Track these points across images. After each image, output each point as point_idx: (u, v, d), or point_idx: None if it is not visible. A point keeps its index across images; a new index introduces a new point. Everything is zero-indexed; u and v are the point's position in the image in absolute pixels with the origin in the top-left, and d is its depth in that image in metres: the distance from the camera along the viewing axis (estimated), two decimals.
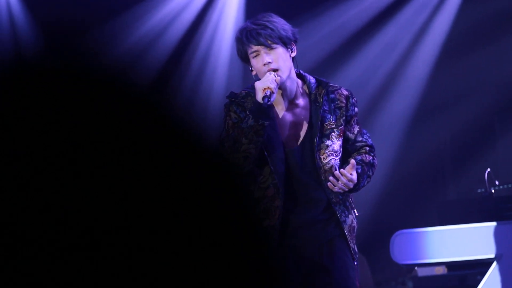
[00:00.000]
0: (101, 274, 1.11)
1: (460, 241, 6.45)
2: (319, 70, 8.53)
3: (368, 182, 3.88)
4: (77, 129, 1.14)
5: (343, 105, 3.88)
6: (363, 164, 3.85)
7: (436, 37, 9.04)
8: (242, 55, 3.87)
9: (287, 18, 4.00)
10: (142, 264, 1.11)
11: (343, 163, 3.85)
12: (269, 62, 3.76)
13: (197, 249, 1.15)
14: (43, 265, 1.08)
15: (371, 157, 3.90)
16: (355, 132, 3.91)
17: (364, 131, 3.96)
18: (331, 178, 3.70)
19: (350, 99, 3.91)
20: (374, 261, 8.21)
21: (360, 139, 3.90)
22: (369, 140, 3.93)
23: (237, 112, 3.81)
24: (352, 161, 3.76)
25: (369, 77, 9.08)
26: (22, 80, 1.16)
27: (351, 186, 3.71)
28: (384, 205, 8.82)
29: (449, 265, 6.69)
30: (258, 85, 3.70)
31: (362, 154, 3.90)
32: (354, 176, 3.71)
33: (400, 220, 8.21)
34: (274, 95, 3.71)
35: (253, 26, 3.82)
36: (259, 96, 3.68)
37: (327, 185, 3.76)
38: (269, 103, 3.68)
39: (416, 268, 6.92)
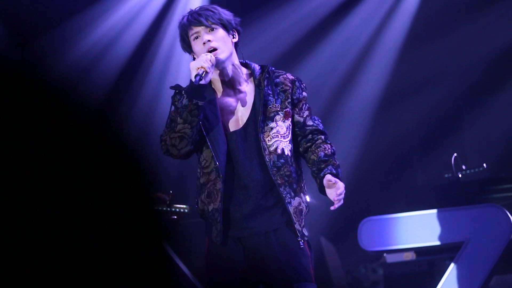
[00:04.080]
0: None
1: (428, 226, 6.47)
2: (284, 60, 8.53)
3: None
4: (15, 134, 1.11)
5: (288, 88, 3.89)
6: (330, 159, 3.85)
7: (400, 25, 9.06)
8: (185, 42, 3.90)
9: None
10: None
11: (295, 146, 3.87)
12: (209, 41, 3.80)
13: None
14: None
15: (329, 145, 3.89)
16: (304, 115, 3.90)
17: (316, 117, 3.95)
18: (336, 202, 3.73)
19: (296, 83, 3.93)
20: (343, 248, 8.23)
21: (311, 123, 3.89)
22: (320, 125, 3.92)
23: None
24: (328, 177, 3.75)
25: (334, 66, 9.09)
26: None
27: (343, 194, 3.74)
28: (352, 192, 8.82)
29: (418, 250, 6.72)
30: (192, 65, 3.73)
31: (321, 148, 3.88)
32: (341, 186, 3.73)
33: (368, 206, 8.23)
34: (209, 75, 3.73)
35: (194, 10, 3.90)
36: (193, 75, 3.71)
37: (271, 167, 3.78)
38: (201, 81, 3.70)
39: (384, 254, 6.94)
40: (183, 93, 3.79)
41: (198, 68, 3.70)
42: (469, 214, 6.41)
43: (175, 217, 6.93)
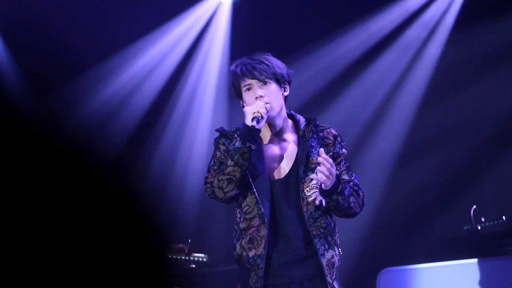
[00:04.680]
0: None
1: (447, 278, 6.44)
2: (306, 109, 8.58)
3: (353, 202, 3.85)
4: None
5: (331, 142, 3.93)
6: (344, 181, 3.87)
7: (421, 77, 9.10)
8: (236, 89, 3.94)
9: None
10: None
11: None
12: (262, 96, 3.84)
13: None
14: None
15: (356, 188, 3.90)
16: (340, 169, 3.91)
17: (353, 174, 3.96)
18: (319, 159, 3.71)
19: (338, 138, 3.97)
20: None
21: (347, 177, 3.91)
22: (356, 180, 3.93)
23: (226, 144, 3.88)
24: (321, 149, 3.77)
25: (356, 116, 9.12)
26: None
27: (334, 173, 3.72)
28: (371, 242, 8.81)
29: None
30: (248, 109, 3.79)
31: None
32: (334, 167, 3.73)
33: (387, 257, 8.21)
34: (263, 121, 3.79)
35: (249, 61, 3.91)
36: (248, 119, 3.76)
37: (308, 217, 3.80)
38: (257, 126, 3.76)
39: None
40: (235, 136, 3.83)
41: (254, 112, 3.76)
42: (488, 267, 6.38)
43: (193, 266, 6.95)
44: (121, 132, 8.18)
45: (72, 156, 1.22)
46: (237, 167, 3.75)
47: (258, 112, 3.76)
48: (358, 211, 3.91)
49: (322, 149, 3.76)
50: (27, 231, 1.16)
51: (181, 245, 7.11)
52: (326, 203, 3.84)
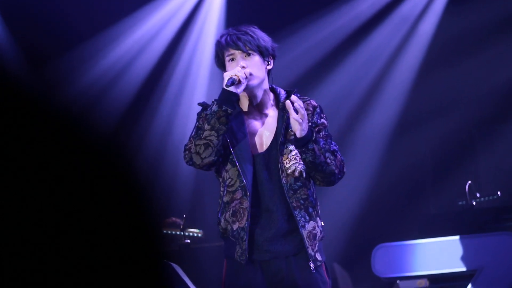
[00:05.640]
0: None
1: (442, 253, 6.46)
2: (301, 84, 8.56)
3: (330, 159, 3.79)
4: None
5: (310, 112, 3.89)
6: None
7: (416, 52, 9.08)
8: (219, 60, 3.92)
9: (268, 34, 4.04)
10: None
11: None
12: (244, 67, 3.80)
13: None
14: None
15: (333, 149, 3.85)
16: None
17: (333, 142, 3.92)
18: (292, 97, 3.70)
19: (317, 109, 3.93)
20: (356, 275, 8.21)
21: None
22: (333, 147, 3.88)
23: None
24: (289, 101, 3.75)
25: (349, 91, 9.11)
26: None
27: (306, 118, 3.71)
28: (366, 219, 8.82)
29: (431, 278, 6.69)
30: (226, 74, 3.77)
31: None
32: (304, 112, 3.71)
33: (382, 233, 8.22)
34: (242, 86, 3.75)
35: (234, 31, 3.89)
36: (225, 82, 3.73)
37: (288, 189, 3.78)
38: (235, 90, 3.72)
39: (398, 281, 6.92)
40: (213, 100, 3.80)
41: (232, 75, 3.73)
42: (483, 242, 6.39)
43: (188, 241, 6.95)
44: (116, 106, 8.16)
45: (66, 129, 1.20)
46: (213, 131, 3.72)
47: (235, 75, 3.72)
48: (336, 171, 3.83)
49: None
50: (20, 199, 1.14)
51: (175, 220, 7.10)
52: (303, 159, 3.80)
